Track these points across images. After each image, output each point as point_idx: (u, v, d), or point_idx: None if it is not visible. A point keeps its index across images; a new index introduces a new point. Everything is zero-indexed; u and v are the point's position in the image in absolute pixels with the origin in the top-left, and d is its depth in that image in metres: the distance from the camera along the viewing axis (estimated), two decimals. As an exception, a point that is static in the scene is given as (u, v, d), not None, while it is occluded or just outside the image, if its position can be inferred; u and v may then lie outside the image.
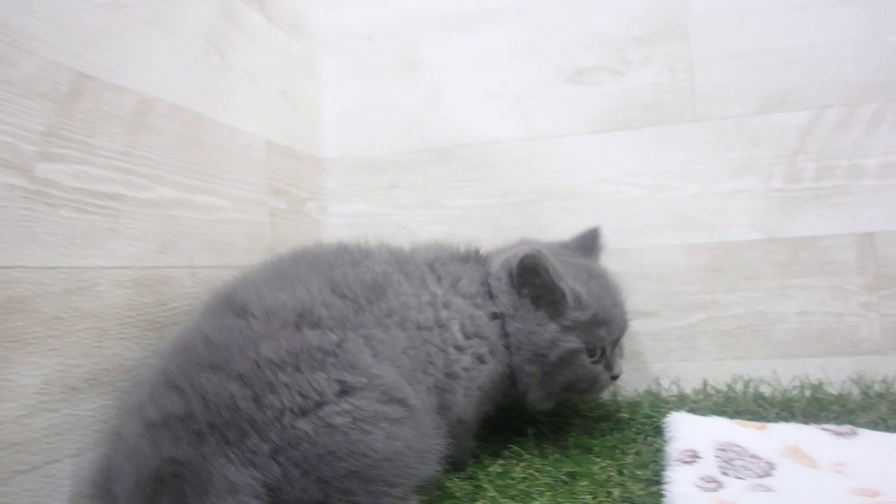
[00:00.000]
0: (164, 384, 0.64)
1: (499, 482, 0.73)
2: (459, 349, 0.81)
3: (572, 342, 0.84)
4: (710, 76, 1.08)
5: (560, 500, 0.65)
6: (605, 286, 0.90)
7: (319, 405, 0.66)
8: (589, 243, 0.99)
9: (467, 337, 0.82)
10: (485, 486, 0.72)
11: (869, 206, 1.03)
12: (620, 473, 0.71)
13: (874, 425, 0.85)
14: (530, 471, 0.75)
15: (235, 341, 0.68)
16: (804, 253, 1.05)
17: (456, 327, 0.82)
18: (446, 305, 0.83)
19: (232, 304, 0.71)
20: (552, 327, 0.84)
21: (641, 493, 0.66)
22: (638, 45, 1.11)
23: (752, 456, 0.72)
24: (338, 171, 1.22)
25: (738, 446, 0.74)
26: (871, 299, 1.03)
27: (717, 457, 0.72)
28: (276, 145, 1.06)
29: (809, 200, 1.05)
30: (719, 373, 1.07)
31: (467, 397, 0.81)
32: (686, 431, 0.77)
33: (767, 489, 0.66)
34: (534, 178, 1.14)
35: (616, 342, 0.90)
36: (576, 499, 0.65)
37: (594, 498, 0.64)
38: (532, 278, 0.84)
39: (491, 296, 0.87)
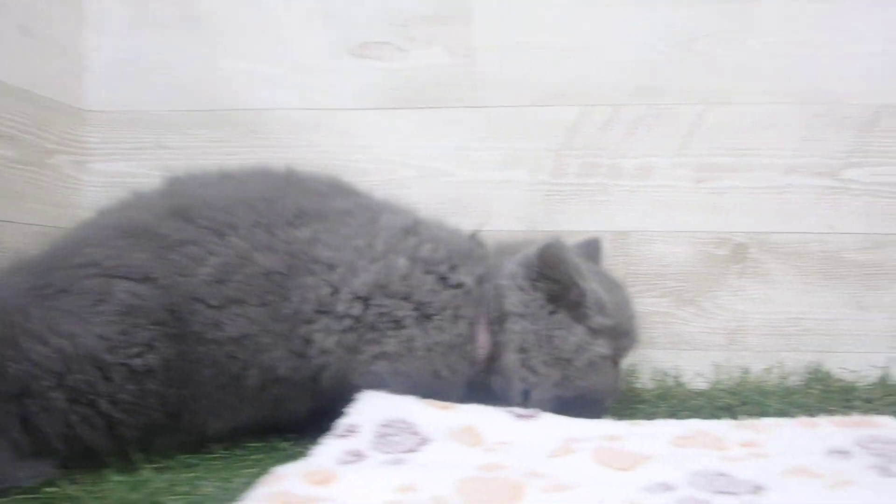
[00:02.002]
0: None
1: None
2: (345, 301, 0.77)
3: (603, 347, 0.80)
4: (490, 63, 1.08)
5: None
6: (625, 296, 0.87)
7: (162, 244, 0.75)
8: (593, 252, 0.94)
9: (368, 296, 0.77)
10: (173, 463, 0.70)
11: (625, 205, 1.07)
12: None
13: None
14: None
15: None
16: (563, 247, 1.07)
17: (358, 279, 0.77)
18: (374, 258, 0.79)
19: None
20: (579, 329, 0.79)
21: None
22: (423, 23, 1.09)
23: (414, 433, 0.71)
24: (102, 125, 1.12)
25: (406, 423, 0.72)
26: (619, 296, 1.07)
27: (376, 433, 0.70)
28: (5, 86, 0.94)
29: (572, 196, 1.08)
30: (475, 360, 1.08)
31: (347, 351, 0.77)
32: (362, 407, 0.74)
33: (399, 462, 0.65)
34: (308, 151, 1.10)
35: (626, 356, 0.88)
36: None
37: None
38: (552, 272, 0.79)
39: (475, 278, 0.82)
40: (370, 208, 0.86)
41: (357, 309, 0.77)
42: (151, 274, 0.72)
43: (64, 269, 0.72)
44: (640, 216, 1.06)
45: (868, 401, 0.98)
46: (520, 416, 0.77)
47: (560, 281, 0.79)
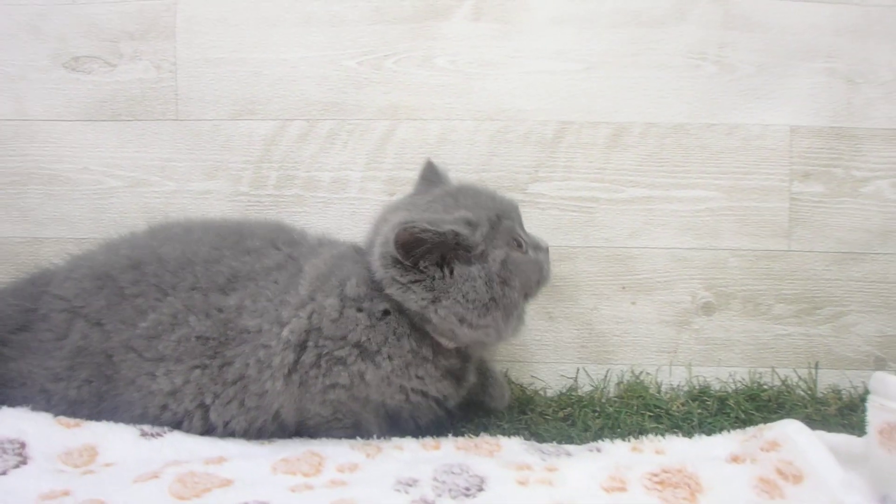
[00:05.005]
0: None
1: None
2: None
3: (496, 254, 0.80)
4: (191, 78, 1.11)
5: None
6: (475, 190, 0.87)
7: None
8: (433, 177, 0.93)
9: (300, 343, 0.80)
10: None
11: (322, 217, 1.10)
12: None
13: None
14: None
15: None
16: (261, 256, 1.10)
17: (286, 328, 0.80)
18: (301, 303, 0.81)
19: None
20: (475, 269, 0.79)
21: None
22: (130, 39, 1.12)
23: (18, 454, 0.72)
24: None
25: (17, 442, 0.74)
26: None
27: None
28: None
29: (271, 207, 1.11)
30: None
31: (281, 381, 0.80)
32: None
33: None
34: (18, 161, 1.13)
35: (520, 223, 0.87)
36: None
37: None
38: (420, 248, 0.77)
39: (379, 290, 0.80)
40: (298, 259, 0.86)
41: (291, 356, 0.79)
42: (102, 320, 0.84)
43: (49, 295, 0.88)
44: (337, 228, 1.09)
45: (542, 413, 0.99)
46: (145, 434, 0.78)
47: (433, 246, 0.78)
